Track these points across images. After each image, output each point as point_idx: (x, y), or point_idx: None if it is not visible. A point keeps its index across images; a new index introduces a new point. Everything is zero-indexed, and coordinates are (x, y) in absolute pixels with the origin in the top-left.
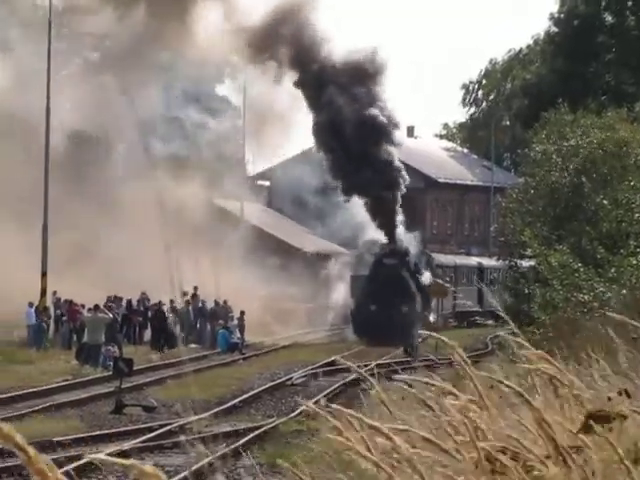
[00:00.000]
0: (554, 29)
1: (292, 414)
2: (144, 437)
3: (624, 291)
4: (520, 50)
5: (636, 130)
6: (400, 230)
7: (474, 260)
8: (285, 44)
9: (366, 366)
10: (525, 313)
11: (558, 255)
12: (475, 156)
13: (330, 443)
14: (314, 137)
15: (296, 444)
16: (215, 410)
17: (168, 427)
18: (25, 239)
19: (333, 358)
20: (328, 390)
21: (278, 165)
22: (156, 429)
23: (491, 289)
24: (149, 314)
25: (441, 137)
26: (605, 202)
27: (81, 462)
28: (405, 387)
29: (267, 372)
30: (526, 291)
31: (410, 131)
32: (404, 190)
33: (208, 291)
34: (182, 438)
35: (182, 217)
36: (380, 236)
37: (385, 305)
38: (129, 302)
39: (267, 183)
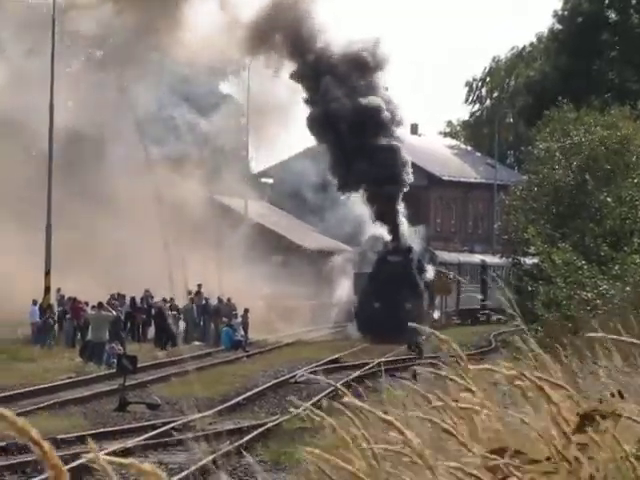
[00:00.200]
0: (558, 26)
1: (295, 411)
2: (148, 435)
3: (628, 288)
4: (524, 48)
5: (638, 127)
6: (404, 226)
7: (477, 258)
8: (283, 35)
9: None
10: (529, 310)
11: (561, 253)
12: (479, 154)
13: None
14: (309, 129)
15: (300, 441)
16: (219, 408)
17: (172, 425)
18: (25, 239)
19: (337, 356)
20: (332, 388)
21: (281, 163)
22: (160, 427)
23: (494, 287)
24: (152, 312)
25: (445, 135)
26: (609, 199)
27: (79, 462)
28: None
29: (271, 370)
30: (529, 289)
31: (414, 129)
32: (409, 181)
33: (211, 288)
34: (185, 436)
35: (184, 214)
36: (382, 231)
37: (389, 302)
38: (133, 300)
39: (270, 181)
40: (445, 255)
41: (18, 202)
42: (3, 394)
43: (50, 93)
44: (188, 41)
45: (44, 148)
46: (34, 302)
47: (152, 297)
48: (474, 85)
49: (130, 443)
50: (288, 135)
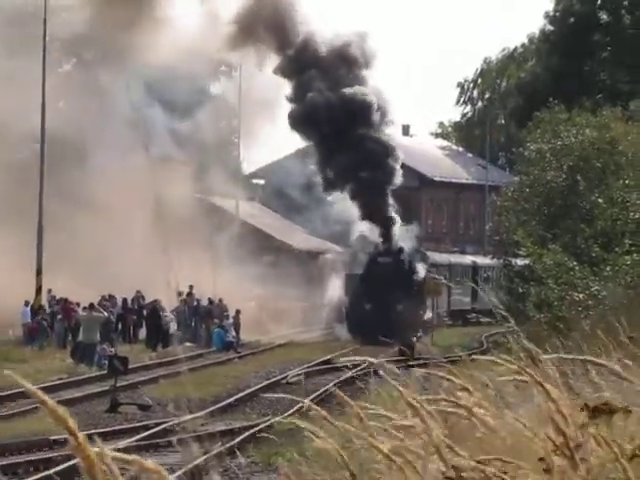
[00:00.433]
0: (549, 27)
1: (288, 412)
2: (139, 436)
3: (619, 289)
4: (515, 49)
5: (630, 128)
6: (395, 225)
7: (469, 259)
8: (266, 29)
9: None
10: (520, 311)
11: (552, 254)
12: (470, 155)
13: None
14: (291, 126)
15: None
16: (211, 409)
17: (163, 426)
18: (12, 241)
19: (329, 357)
20: (324, 389)
21: (273, 163)
22: (151, 428)
23: (486, 288)
24: (144, 313)
25: (436, 136)
26: (600, 200)
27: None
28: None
29: (263, 371)
30: (520, 290)
31: (405, 130)
32: (399, 173)
33: (202, 290)
34: (176, 437)
35: (174, 216)
36: (371, 229)
37: (380, 304)
38: (124, 301)
39: (262, 182)
40: (436, 256)
41: (3, 203)
42: None
43: (42, 94)
44: (170, 40)
45: (27, 150)
46: (26, 303)
47: (143, 298)
48: (465, 86)
49: (121, 444)
50: (280, 136)
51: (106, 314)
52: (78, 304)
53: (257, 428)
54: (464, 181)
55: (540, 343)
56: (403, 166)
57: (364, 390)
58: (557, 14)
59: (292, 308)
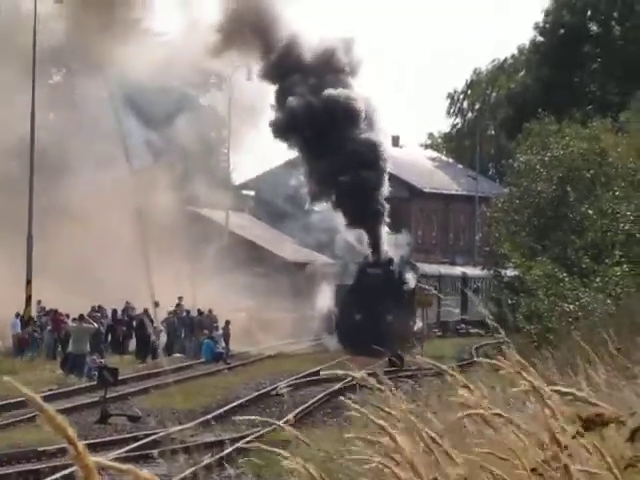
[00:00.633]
0: (539, 38)
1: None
2: (129, 447)
3: (609, 301)
4: (505, 60)
5: (620, 140)
6: (384, 235)
7: (458, 270)
8: (251, 34)
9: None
10: (508, 323)
11: (541, 266)
12: (460, 166)
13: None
14: (274, 133)
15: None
16: (200, 420)
17: (153, 437)
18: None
19: (319, 368)
20: (313, 400)
21: (263, 174)
22: (141, 439)
23: (475, 299)
24: (134, 324)
25: (426, 147)
26: (590, 212)
27: (70, 470)
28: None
29: (252, 382)
30: (509, 301)
31: (395, 141)
32: (387, 174)
33: (191, 301)
34: (165, 448)
35: (163, 227)
36: (357, 237)
37: (370, 314)
38: (114, 312)
39: (252, 193)
40: (426, 267)
41: None
42: None
43: (32, 103)
44: (152, 49)
45: (11, 161)
46: (17, 315)
47: (133, 309)
48: (455, 97)
49: (111, 455)
50: (269, 146)
51: (96, 325)
52: (68, 315)
53: (246, 440)
54: (454, 192)
55: (528, 356)
56: (393, 177)
57: (347, 406)
58: (547, 25)
59: (282, 319)
